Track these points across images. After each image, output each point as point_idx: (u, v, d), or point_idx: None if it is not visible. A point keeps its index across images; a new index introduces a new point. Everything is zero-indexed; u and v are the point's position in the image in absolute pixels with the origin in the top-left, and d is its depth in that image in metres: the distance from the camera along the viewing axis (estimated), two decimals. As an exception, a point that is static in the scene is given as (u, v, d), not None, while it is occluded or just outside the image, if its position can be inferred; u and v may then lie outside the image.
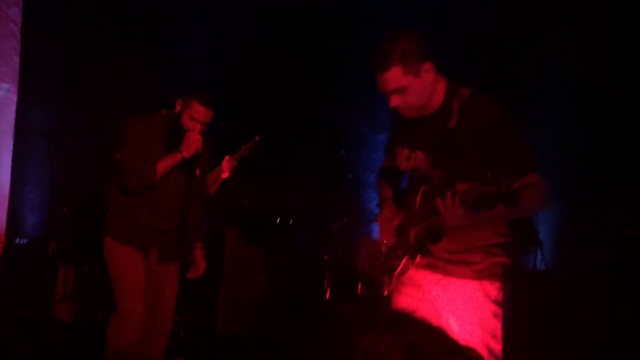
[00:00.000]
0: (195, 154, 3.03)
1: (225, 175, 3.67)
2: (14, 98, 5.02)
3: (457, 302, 2.13)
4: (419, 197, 2.10)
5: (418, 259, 2.13)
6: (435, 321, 2.22)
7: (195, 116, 2.98)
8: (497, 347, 2.11)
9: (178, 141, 3.01)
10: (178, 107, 3.03)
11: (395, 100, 2.09)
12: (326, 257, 4.83)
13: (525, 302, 3.83)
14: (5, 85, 4.90)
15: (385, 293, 2.33)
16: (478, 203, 1.83)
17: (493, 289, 2.12)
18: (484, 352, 2.07)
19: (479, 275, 2.11)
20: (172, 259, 3.20)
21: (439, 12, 5.28)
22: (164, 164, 3.01)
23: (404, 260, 2.20)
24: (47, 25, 5.16)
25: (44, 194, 5.32)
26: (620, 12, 4.66)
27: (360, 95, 5.91)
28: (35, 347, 4.00)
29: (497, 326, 2.12)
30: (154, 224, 3.10)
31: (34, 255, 4.88)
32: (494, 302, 2.12)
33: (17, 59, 5.03)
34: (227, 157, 3.69)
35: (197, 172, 3.16)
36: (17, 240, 4.98)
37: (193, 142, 2.99)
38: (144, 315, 3.05)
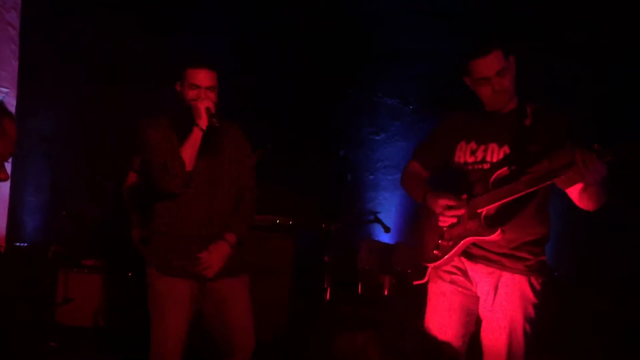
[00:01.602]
0: (211, 122, 2.63)
1: None
2: (13, 102, 5.03)
3: (506, 293, 2.31)
4: (492, 179, 2.27)
5: (498, 232, 2.25)
6: (472, 305, 2.38)
7: (194, 82, 2.66)
8: (532, 334, 2.31)
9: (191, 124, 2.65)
10: (178, 88, 2.73)
11: (497, 83, 2.29)
12: (326, 258, 4.84)
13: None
14: (4, 90, 4.92)
15: (420, 282, 2.48)
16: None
17: (537, 283, 2.33)
18: (521, 338, 2.29)
19: (527, 271, 2.31)
20: (229, 274, 2.76)
21: (447, 12, 5.30)
22: (187, 147, 2.63)
23: (456, 247, 2.34)
24: (46, 29, 5.17)
25: (44, 198, 5.33)
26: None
27: (360, 96, 5.94)
28: (38, 350, 4.01)
29: (534, 316, 2.32)
30: (193, 230, 2.70)
31: (34, 259, 4.89)
32: (537, 294, 2.33)
33: (15, 63, 5.05)
34: None
35: (226, 153, 2.78)
36: (17, 244, 4.99)
37: (202, 109, 2.62)
38: (217, 335, 2.79)
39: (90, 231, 5.17)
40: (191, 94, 2.66)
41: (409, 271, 2.57)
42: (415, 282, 2.49)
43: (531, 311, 2.31)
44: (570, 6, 4.80)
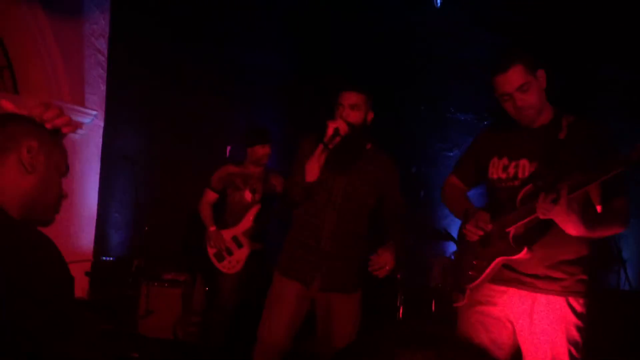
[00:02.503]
0: (334, 135, 2.69)
1: None
2: (101, 124, 5.35)
3: (543, 316, 2.20)
4: (520, 196, 2.18)
5: (525, 251, 2.16)
6: (508, 335, 2.26)
7: (339, 100, 2.79)
8: (579, 357, 2.19)
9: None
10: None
11: (519, 99, 2.19)
12: (398, 276, 4.81)
13: (607, 321, 3.67)
14: (93, 112, 5.24)
15: (457, 305, 2.37)
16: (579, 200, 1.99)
17: (577, 304, 2.21)
18: None
19: (564, 291, 2.20)
20: (338, 289, 2.84)
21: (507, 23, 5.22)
22: (310, 160, 2.73)
23: (489, 268, 2.25)
24: (132, 55, 5.48)
25: (129, 214, 5.60)
26: None
27: (432, 112, 5.90)
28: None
29: (579, 339, 2.19)
30: (314, 242, 2.81)
31: (119, 272, 5.12)
32: (578, 316, 2.20)
33: (103, 87, 5.38)
34: None
35: (359, 172, 2.84)
36: (103, 258, 5.25)
37: (330, 126, 2.70)
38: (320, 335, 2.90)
39: (171, 246, 5.38)
40: (337, 113, 2.80)
41: (450, 292, 2.41)
42: (455, 304, 2.38)
43: (575, 334, 2.18)
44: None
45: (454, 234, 4.68)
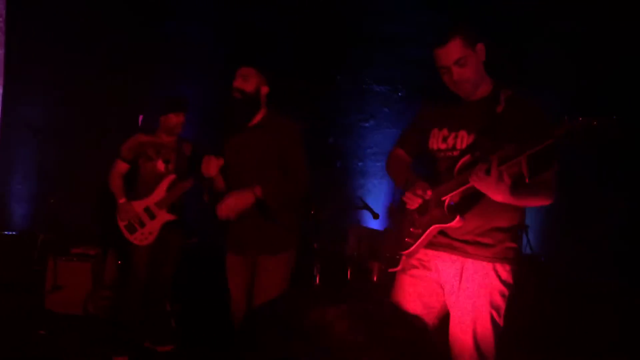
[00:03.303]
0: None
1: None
2: (0, 90, 5.01)
3: (470, 281, 2.30)
4: (457, 166, 2.24)
5: (457, 219, 2.23)
6: (438, 298, 2.36)
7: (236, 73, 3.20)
8: (500, 322, 2.30)
9: None
10: None
11: (456, 72, 2.25)
12: (315, 245, 4.86)
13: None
14: (-9, 77, 4.89)
15: (392, 270, 2.46)
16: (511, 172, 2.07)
17: (504, 271, 2.30)
18: (489, 326, 2.27)
19: (492, 257, 2.29)
20: (268, 252, 3.09)
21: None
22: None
23: (424, 235, 2.33)
24: (33, 18, 5.13)
25: (32, 186, 5.32)
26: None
27: (348, 83, 5.94)
28: (27, 337, 4.02)
29: (502, 304, 2.30)
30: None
31: (23, 247, 4.89)
32: (503, 282, 2.30)
33: (1, 51, 5.02)
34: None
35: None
36: (6, 233, 4.98)
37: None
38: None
39: (80, 218, 5.17)
40: None
41: (386, 258, 2.51)
42: (390, 270, 2.47)
43: (498, 299, 2.27)
44: None
45: (370, 203, 4.79)
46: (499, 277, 2.29)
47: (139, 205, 4.09)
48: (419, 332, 0.95)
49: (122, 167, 4.18)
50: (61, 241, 4.75)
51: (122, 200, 4.10)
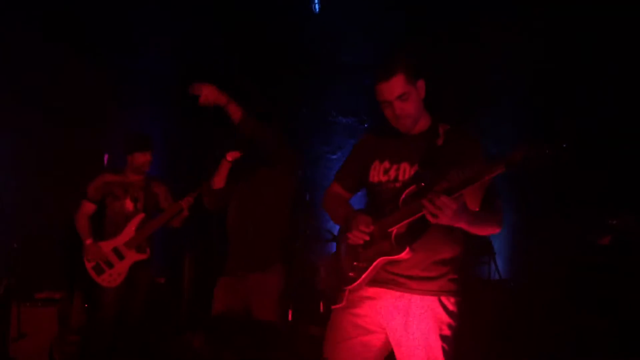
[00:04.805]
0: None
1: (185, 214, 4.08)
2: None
3: (418, 316, 2.27)
4: (402, 197, 2.23)
5: (407, 250, 2.21)
6: (374, 340, 2.32)
7: None
8: (452, 353, 2.28)
9: None
10: None
11: (398, 107, 2.27)
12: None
13: (480, 311, 3.93)
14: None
15: (335, 307, 2.39)
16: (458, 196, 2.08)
17: (449, 303, 2.30)
18: (442, 359, 2.25)
19: (437, 291, 2.28)
20: (259, 269, 3.21)
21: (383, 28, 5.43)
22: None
23: (370, 269, 2.28)
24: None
25: (-7, 229, 5.16)
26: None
27: (314, 116, 6.00)
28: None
29: (451, 336, 2.29)
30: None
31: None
32: (450, 314, 2.29)
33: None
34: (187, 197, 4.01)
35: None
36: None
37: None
38: None
39: (43, 262, 5.03)
40: None
41: (327, 294, 2.47)
42: (334, 307, 2.40)
43: (447, 331, 2.27)
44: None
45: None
46: (445, 309, 2.28)
47: (106, 246, 4.02)
48: (269, 336, 0.97)
49: (88, 207, 4.12)
50: (25, 286, 4.61)
51: (89, 242, 4.03)
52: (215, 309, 3.22)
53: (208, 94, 3.06)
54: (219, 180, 3.36)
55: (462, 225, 2.15)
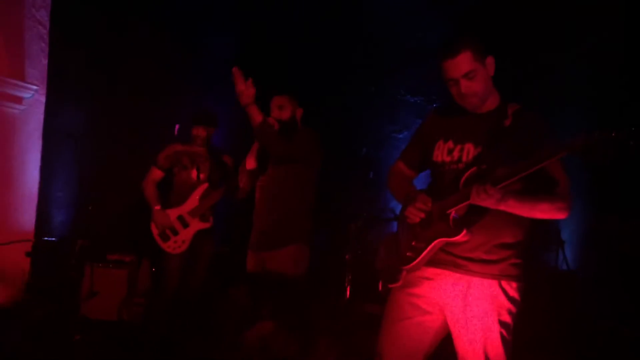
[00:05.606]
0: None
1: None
2: (42, 99, 5.15)
3: (477, 300, 2.22)
4: (463, 179, 2.19)
5: (463, 233, 2.18)
6: (431, 320, 2.29)
7: (271, 104, 3.56)
8: (510, 340, 2.23)
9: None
10: None
11: (465, 85, 2.21)
12: (347, 257, 4.85)
13: (542, 300, 3.80)
14: (34, 87, 5.03)
15: (392, 286, 2.38)
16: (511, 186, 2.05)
17: (510, 288, 2.23)
18: (499, 345, 2.19)
19: (498, 275, 2.22)
20: (275, 247, 3.46)
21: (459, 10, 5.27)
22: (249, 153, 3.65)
23: (427, 249, 2.25)
24: (75, 28, 5.27)
25: (72, 193, 5.43)
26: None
27: (383, 94, 5.92)
28: (62, 343, 4.09)
29: (511, 322, 2.23)
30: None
31: (61, 253, 4.98)
32: (510, 300, 2.22)
33: (45, 61, 5.17)
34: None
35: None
36: (45, 239, 5.10)
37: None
38: None
39: (116, 226, 5.26)
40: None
41: (385, 273, 2.42)
42: (390, 285, 2.38)
43: (506, 317, 2.21)
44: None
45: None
46: (506, 294, 2.22)
47: (172, 213, 4.15)
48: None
49: (156, 174, 4.25)
50: (98, 248, 4.84)
51: (157, 207, 4.16)
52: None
53: (240, 90, 3.13)
54: (250, 161, 3.51)
55: (508, 209, 2.10)
